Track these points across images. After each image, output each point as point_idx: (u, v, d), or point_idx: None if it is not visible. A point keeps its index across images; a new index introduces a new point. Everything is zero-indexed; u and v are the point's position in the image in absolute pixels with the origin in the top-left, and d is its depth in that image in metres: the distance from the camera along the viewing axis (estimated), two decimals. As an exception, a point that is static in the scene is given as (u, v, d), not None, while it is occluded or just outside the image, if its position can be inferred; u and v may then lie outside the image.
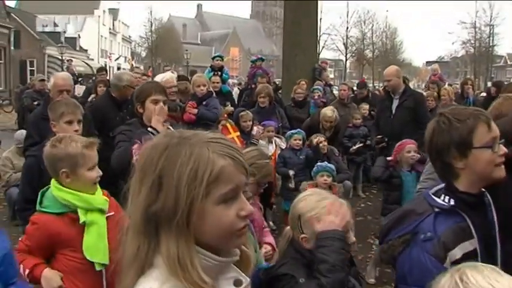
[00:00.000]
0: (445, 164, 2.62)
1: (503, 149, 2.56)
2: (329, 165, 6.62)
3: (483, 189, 2.65)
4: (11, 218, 8.81)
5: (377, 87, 15.43)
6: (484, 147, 2.53)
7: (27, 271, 3.28)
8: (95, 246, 3.31)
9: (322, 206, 2.60)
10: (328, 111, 9.18)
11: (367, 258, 7.24)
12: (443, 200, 2.59)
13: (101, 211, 3.41)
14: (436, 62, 30.04)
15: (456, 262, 2.36)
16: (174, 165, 1.51)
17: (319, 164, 6.71)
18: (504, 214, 2.65)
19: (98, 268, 3.32)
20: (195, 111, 7.63)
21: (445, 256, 2.46)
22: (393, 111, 8.53)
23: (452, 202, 2.56)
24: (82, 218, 3.32)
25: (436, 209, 2.58)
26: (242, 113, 8.05)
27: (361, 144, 10.29)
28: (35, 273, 3.29)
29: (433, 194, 2.66)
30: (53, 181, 3.40)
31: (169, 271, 1.51)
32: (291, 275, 2.46)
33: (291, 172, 7.65)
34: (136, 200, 1.56)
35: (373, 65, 72.37)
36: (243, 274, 1.65)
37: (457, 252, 2.47)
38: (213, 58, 11.91)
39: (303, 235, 2.59)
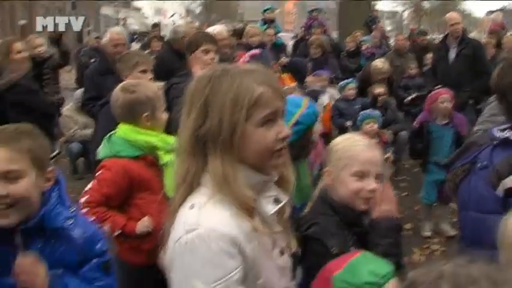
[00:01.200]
0: (510, 103, 2.72)
1: None
2: (374, 111, 6.49)
3: None
4: (73, 172, 9.10)
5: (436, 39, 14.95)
6: None
7: (117, 231, 3.29)
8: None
9: (351, 141, 2.56)
10: (379, 63, 8.88)
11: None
12: (505, 135, 2.64)
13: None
14: (498, 10, 28.84)
15: (509, 190, 2.50)
16: (217, 93, 1.70)
17: (363, 112, 6.60)
18: None
19: None
20: (246, 59, 7.59)
21: (498, 184, 2.55)
22: (450, 61, 8.30)
23: None
24: (164, 159, 3.34)
25: (495, 141, 2.67)
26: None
27: (415, 95, 10.02)
28: (128, 229, 3.30)
29: (497, 129, 2.71)
30: (127, 126, 3.40)
31: (215, 187, 1.70)
32: (322, 241, 2.37)
33: (348, 123, 7.53)
34: (185, 126, 1.75)
35: (431, 17, 70.21)
36: (281, 193, 1.83)
37: (509, 181, 2.53)
38: (264, 11, 11.81)
39: (327, 168, 2.55)
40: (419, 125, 6.41)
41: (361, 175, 2.41)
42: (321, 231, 2.40)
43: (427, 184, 6.52)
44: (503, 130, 2.68)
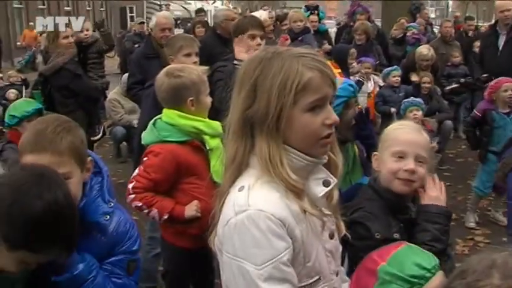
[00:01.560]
0: None
1: None
2: (417, 99, 6.40)
3: None
4: (116, 155, 9.23)
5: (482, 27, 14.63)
6: None
7: (165, 215, 3.31)
8: (220, 169, 3.34)
9: (396, 126, 2.61)
10: (424, 50, 8.68)
11: (467, 200, 7.06)
12: None
13: (219, 136, 3.41)
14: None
15: None
16: (267, 76, 1.70)
17: (406, 100, 6.52)
18: None
19: None
20: (288, 42, 7.56)
21: None
22: (500, 48, 8.11)
23: None
24: (211, 144, 3.37)
25: None
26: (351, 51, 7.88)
27: (456, 85, 9.80)
28: (176, 212, 3.32)
29: None
30: (172, 112, 3.41)
31: (262, 169, 1.71)
32: (366, 225, 2.38)
33: (393, 109, 7.45)
34: (235, 106, 1.76)
35: (477, 3, 68.77)
36: (331, 175, 1.82)
37: None
38: (308, -3, 11.76)
39: (375, 152, 2.57)
40: (481, 113, 6.27)
41: (401, 155, 2.43)
42: (365, 215, 2.42)
43: (484, 174, 6.34)
44: None
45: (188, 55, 4.46)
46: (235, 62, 4.55)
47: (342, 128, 2.89)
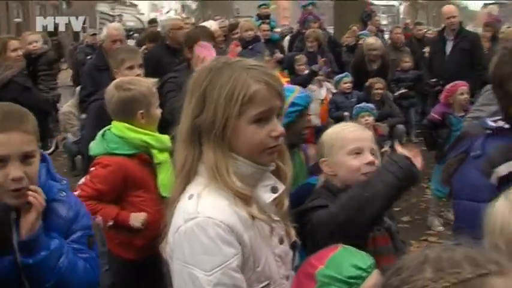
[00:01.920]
0: (506, 93, 2.70)
1: None
2: (368, 104, 6.51)
3: None
4: (71, 168, 9.09)
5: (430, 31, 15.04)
6: None
7: (110, 221, 3.30)
8: (168, 182, 3.34)
9: (338, 128, 2.66)
10: (371, 39, 8.95)
11: (420, 202, 7.20)
12: (498, 125, 2.67)
13: (168, 149, 3.43)
14: (494, 3, 28.92)
15: (502, 178, 2.52)
16: (215, 86, 1.73)
17: (357, 105, 6.63)
18: None
19: None
20: (238, 49, 7.59)
21: (491, 172, 2.57)
22: (447, 53, 8.32)
23: (506, 126, 2.64)
24: (159, 158, 3.38)
25: (488, 131, 2.69)
26: (297, 57, 7.95)
27: (404, 90, 9.99)
28: (121, 218, 3.31)
29: (490, 120, 2.74)
30: (121, 124, 3.40)
31: (209, 177, 1.74)
32: (323, 205, 2.42)
33: (346, 113, 7.54)
34: (185, 115, 1.80)
35: (427, 10, 70.21)
36: (279, 182, 1.86)
37: (503, 169, 2.56)
38: (259, 6, 11.88)
39: (322, 158, 2.59)
40: (441, 116, 6.40)
41: (358, 151, 2.48)
42: (326, 201, 2.45)
43: (440, 175, 6.45)
44: (495, 121, 2.70)
45: (131, 68, 4.40)
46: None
47: (291, 134, 2.91)
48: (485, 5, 28.94)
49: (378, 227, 2.50)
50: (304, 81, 7.63)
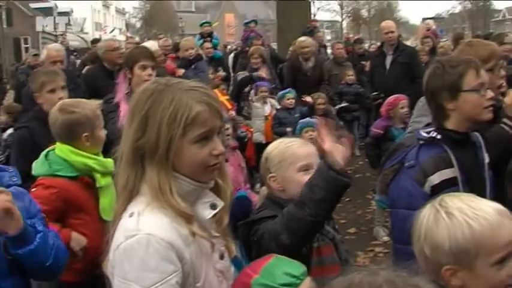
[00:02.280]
0: (438, 105, 2.88)
1: (490, 94, 2.82)
2: (311, 120, 6.62)
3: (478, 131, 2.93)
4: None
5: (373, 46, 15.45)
6: (472, 90, 2.79)
7: None
8: (110, 207, 3.31)
9: (285, 144, 2.68)
10: (302, 38, 9.42)
11: (366, 214, 7.33)
12: (431, 135, 2.83)
13: (111, 173, 3.41)
14: (431, 18, 29.85)
15: (435, 187, 2.70)
16: (157, 108, 1.78)
17: (301, 120, 6.73)
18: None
19: None
20: (181, 71, 7.64)
21: (424, 181, 2.74)
22: (387, 67, 8.54)
23: (438, 137, 2.80)
24: (100, 182, 3.37)
25: (421, 142, 2.84)
26: (239, 73, 7.99)
27: (344, 104, 10.23)
28: (62, 235, 3.18)
29: (423, 131, 2.89)
30: (65, 146, 3.38)
31: (152, 196, 1.79)
32: (270, 216, 2.48)
33: (288, 129, 7.62)
34: (126, 136, 1.83)
35: (369, 25, 71.79)
36: (218, 199, 1.92)
37: (435, 178, 2.74)
38: (201, 25, 12.01)
39: (270, 174, 2.64)
40: (383, 130, 6.54)
41: (306, 168, 2.55)
42: (269, 212, 2.51)
43: None
44: (428, 132, 2.85)
45: (52, 91, 4.26)
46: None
47: None
48: (424, 19, 29.81)
49: (322, 237, 2.58)
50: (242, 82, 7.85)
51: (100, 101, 3.69)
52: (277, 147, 2.69)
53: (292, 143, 2.67)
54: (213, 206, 1.89)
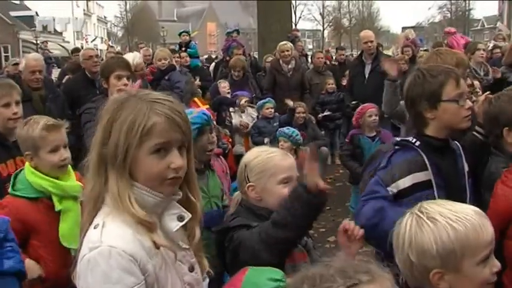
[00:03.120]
0: (418, 113, 2.92)
1: (469, 104, 2.87)
2: (285, 130, 6.66)
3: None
4: None
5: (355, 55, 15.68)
6: (451, 100, 2.83)
7: None
8: (71, 233, 3.19)
9: (266, 154, 2.68)
10: (283, 42, 9.61)
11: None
12: (407, 139, 2.89)
13: (75, 198, 3.29)
14: (412, 27, 30.11)
15: (407, 189, 2.77)
16: (120, 117, 1.80)
17: (279, 129, 6.78)
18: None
19: (73, 254, 3.27)
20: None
21: (391, 182, 2.80)
22: (366, 76, 8.60)
23: (417, 143, 2.85)
24: (58, 206, 3.24)
25: (396, 146, 2.91)
26: (220, 81, 8.06)
27: (327, 113, 10.32)
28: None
29: (401, 138, 2.99)
30: (27, 164, 3.31)
31: (113, 205, 1.80)
32: (244, 224, 2.50)
33: (266, 139, 7.67)
34: (93, 144, 1.85)
35: (350, 34, 72.33)
36: (185, 211, 1.91)
37: (406, 181, 2.80)
38: (180, 34, 12.07)
39: (249, 183, 2.65)
40: (349, 139, 6.65)
41: (287, 181, 2.58)
42: (241, 220, 2.54)
43: (356, 195, 6.68)
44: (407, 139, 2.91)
45: (6, 105, 3.95)
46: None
47: (198, 153, 3.09)
48: (404, 28, 30.07)
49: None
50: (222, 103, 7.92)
51: (61, 122, 3.41)
52: (258, 156, 2.69)
53: (273, 154, 2.67)
54: (181, 218, 1.89)
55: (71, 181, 3.36)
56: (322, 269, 1.29)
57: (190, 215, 1.92)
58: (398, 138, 2.97)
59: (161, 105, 1.81)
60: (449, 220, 1.84)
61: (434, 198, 2.50)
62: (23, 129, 3.31)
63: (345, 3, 76.66)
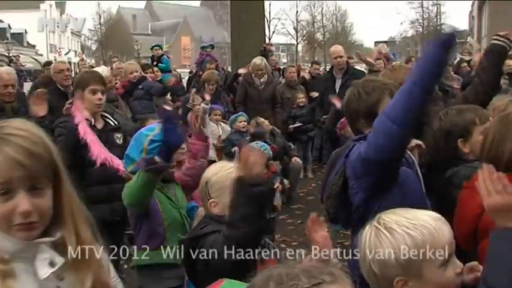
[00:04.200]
0: (358, 130, 2.93)
1: None
2: (253, 144, 6.74)
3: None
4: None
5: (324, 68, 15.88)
6: None
7: None
8: None
9: (226, 169, 2.73)
10: (257, 60, 9.77)
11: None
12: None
13: None
14: (384, 42, 30.53)
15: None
16: None
17: (251, 143, 6.85)
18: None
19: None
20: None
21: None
22: (337, 91, 8.73)
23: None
24: None
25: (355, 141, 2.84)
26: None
27: (299, 124, 10.43)
28: None
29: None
30: None
31: None
32: (215, 230, 2.53)
33: (234, 148, 7.68)
34: None
35: (324, 48, 72.84)
36: (58, 256, 1.70)
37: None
38: (152, 48, 12.11)
39: (211, 200, 2.70)
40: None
41: None
42: (212, 227, 2.57)
43: None
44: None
45: None
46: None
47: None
48: (377, 43, 30.47)
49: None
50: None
51: None
52: (218, 172, 2.73)
53: (232, 170, 2.67)
54: (51, 264, 1.68)
55: None
56: (287, 269, 1.34)
57: (63, 260, 1.71)
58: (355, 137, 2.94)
59: (6, 142, 1.63)
60: (405, 228, 1.90)
61: None
62: None
63: (319, 17, 77.41)
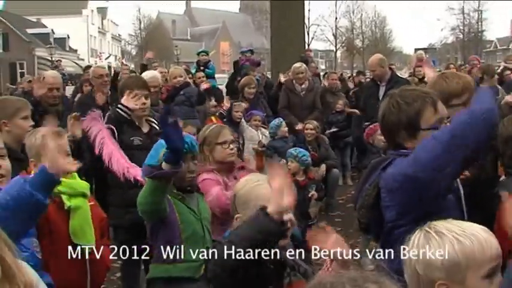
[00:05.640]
0: (397, 144, 2.75)
1: None
2: (292, 150, 6.67)
3: None
4: None
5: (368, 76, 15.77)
6: (431, 128, 2.65)
7: None
8: (82, 229, 3.37)
9: (252, 183, 2.62)
10: (297, 64, 9.79)
11: (357, 243, 7.32)
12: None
13: (84, 195, 3.46)
14: (424, 48, 30.24)
15: None
16: None
17: (289, 150, 6.80)
18: None
19: (83, 252, 3.36)
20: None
21: None
22: (380, 98, 8.61)
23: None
24: (67, 204, 3.34)
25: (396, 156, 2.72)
26: (235, 103, 8.05)
27: (335, 130, 10.36)
28: None
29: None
30: (34, 170, 3.35)
31: None
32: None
33: (282, 160, 7.66)
34: None
35: (363, 55, 72.45)
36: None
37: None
38: (199, 53, 12.12)
39: (237, 214, 2.60)
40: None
41: None
42: None
43: None
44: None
45: (25, 118, 4.14)
46: (119, 105, 4.69)
47: (176, 181, 3.36)
48: (416, 49, 30.14)
49: (293, 272, 2.47)
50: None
51: (61, 130, 3.65)
52: (244, 186, 2.65)
53: (258, 184, 2.58)
54: None
55: (77, 180, 3.51)
56: (334, 278, 1.37)
57: None
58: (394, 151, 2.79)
59: None
60: (455, 234, 1.89)
61: None
62: (28, 139, 3.49)
63: (358, 23, 77.03)
